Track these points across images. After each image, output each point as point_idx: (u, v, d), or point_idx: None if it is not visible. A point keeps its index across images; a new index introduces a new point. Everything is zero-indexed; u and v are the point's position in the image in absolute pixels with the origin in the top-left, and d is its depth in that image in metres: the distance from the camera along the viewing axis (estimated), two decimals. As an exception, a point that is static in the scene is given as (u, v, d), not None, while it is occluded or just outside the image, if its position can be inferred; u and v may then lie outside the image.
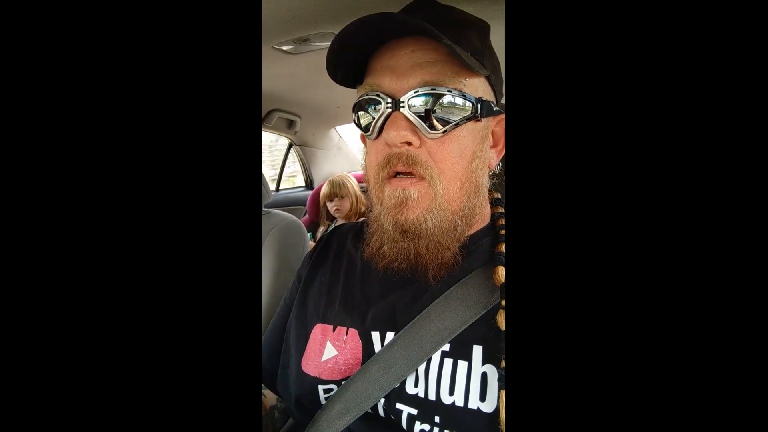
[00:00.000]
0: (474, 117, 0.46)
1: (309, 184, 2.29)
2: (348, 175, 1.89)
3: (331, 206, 1.85)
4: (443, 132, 0.45)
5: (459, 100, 0.45)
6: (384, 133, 0.46)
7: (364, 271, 0.55)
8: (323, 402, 0.50)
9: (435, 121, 0.45)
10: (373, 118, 0.47)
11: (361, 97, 0.48)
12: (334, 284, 0.57)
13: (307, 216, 2.05)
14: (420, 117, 0.45)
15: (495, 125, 0.52)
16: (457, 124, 0.45)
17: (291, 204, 2.19)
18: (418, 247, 0.47)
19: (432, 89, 0.44)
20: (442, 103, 0.44)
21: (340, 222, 1.87)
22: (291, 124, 1.86)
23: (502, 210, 0.56)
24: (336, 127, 2.22)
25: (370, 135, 0.49)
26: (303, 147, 2.16)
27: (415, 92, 0.44)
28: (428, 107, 0.44)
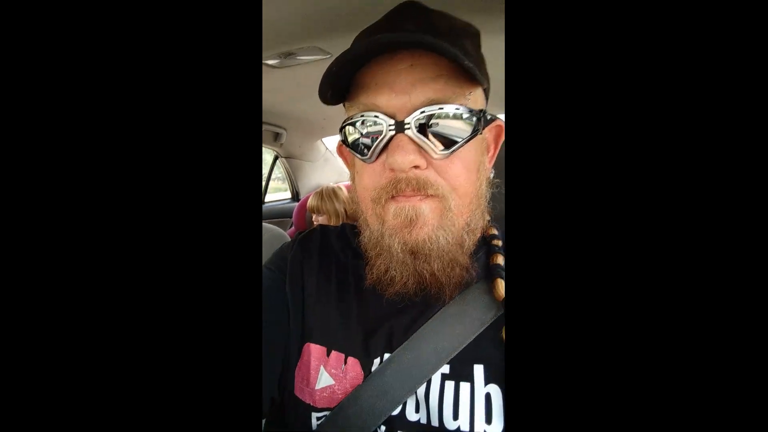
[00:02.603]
0: (478, 132, 0.44)
1: (295, 196, 2.28)
2: (338, 187, 1.84)
3: (313, 218, 1.85)
4: (451, 152, 0.42)
5: (466, 117, 0.42)
6: (389, 158, 0.42)
7: (361, 290, 0.50)
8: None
9: (441, 140, 0.42)
10: (361, 134, 0.44)
11: (355, 117, 0.44)
12: (323, 298, 0.51)
13: (293, 228, 2.04)
14: (426, 137, 0.41)
15: (486, 132, 0.50)
16: (465, 142, 0.43)
17: (277, 216, 2.17)
18: (433, 268, 0.43)
19: (439, 108, 0.41)
20: (449, 120, 0.42)
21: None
22: (277, 136, 1.86)
23: (489, 218, 0.53)
24: (322, 139, 2.23)
25: (367, 159, 0.44)
26: (289, 159, 2.16)
27: (421, 112, 0.41)
28: (435, 127, 0.41)
